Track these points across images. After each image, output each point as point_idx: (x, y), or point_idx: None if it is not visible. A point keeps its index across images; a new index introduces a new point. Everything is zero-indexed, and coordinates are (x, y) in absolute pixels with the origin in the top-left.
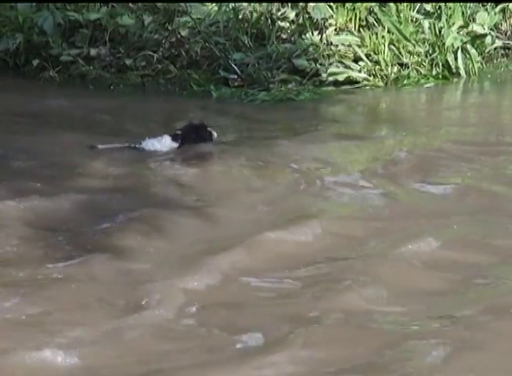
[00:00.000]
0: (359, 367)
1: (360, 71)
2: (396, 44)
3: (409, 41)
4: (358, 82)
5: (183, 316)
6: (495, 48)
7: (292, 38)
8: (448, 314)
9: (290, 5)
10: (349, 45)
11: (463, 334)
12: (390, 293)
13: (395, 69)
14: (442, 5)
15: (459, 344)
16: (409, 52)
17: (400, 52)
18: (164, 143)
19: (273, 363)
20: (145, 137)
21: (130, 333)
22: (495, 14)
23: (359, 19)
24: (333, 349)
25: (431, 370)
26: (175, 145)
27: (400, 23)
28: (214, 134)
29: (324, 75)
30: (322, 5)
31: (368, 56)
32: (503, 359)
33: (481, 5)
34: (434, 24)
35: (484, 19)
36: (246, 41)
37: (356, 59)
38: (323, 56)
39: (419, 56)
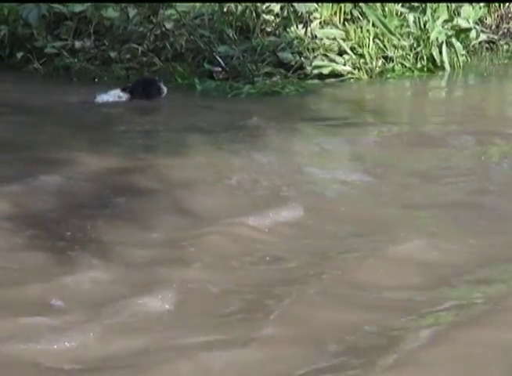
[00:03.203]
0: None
1: (345, 64)
2: (381, 37)
3: (393, 34)
4: (342, 75)
5: (160, 308)
6: (479, 42)
7: (277, 31)
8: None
9: None
10: (334, 39)
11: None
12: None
13: (380, 62)
14: None
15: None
16: (394, 46)
17: (385, 46)
18: (113, 95)
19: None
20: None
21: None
22: (480, 8)
23: (344, 12)
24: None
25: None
26: (124, 96)
27: (385, 16)
28: (164, 89)
29: (309, 68)
30: None
31: (353, 49)
32: None
33: None
34: (418, 18)
35: (468, 13)
36: (231, 34)
37: (341, 53)
38: (308, 49)
39: (403, 49)
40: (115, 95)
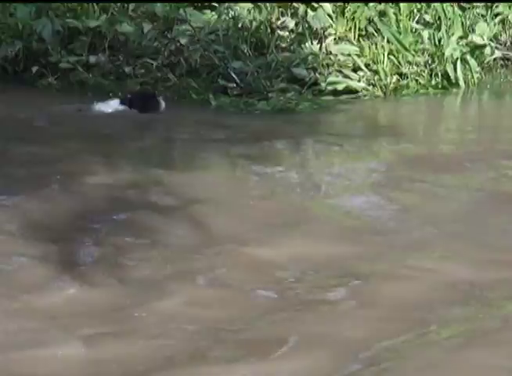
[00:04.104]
0: None
1: (359, 81)
2: (395, 54)
3: (408, 51)
4: (357, 92)
5: (167, 324)
6: (494, 59)
7: (291, 47)
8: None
9: (289, 14)
10: (348, 55)
11: None
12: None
13: (394, 79)
14: (442, 15)
15: None
16: (409, 63)
17: (399, 62)
18: (111, 105)
19: None
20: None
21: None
22: (495, 25)
23: (359, 28)
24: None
25: None
26: (121, 108)
27: (399, 33)
28: (162, 104)
29: (323, 84)
30: (321, 14)
31: (367, 65)
32: None
33: (480, 15)
34: (433, 35)
35: (483, 30)
36: (245, 50)
37: (355, 69)
38: (322, 65)
39: (418, 66)
40: (113, 106)
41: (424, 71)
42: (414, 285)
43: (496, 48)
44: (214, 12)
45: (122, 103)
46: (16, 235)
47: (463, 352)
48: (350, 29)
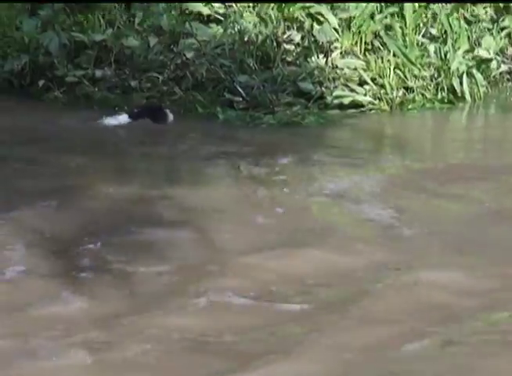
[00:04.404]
0: None
1: (365, 95)
2: (401, 68)
3: (414, 65)
4: (363, 106)
5: (178, 341)
6: (500, 73)
7: (297, 61)
8: None
9: (295, 27)
10: (354, 69)
11: None
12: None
13: (400, 93)
14: (448, 29)
15: None
16: (415, 76)
17: (405, 76)
18: (119, 119)
19: None
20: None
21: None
22: (501, 39)
23: (365, 42)
24: None
25: None
26: (129, 121)
27: (406, 47)
28: (170, 116)
29: (329, 98)
30: (327, 28)
31: (373, 79)
32: None
33: (486, 29)
34: (439, 48)
35: (489, 44)
36: (251, 64)
37: (361, 83)
38: (328, 79)
39: (424, 80)
40: (122, 120)
41: (430, 85)
42: (423, 294)
43: (503, 62)
44: (220, 26)
45: (130, 116)
46: (21, 247)
47: (486, 359)
48: (356, 43)
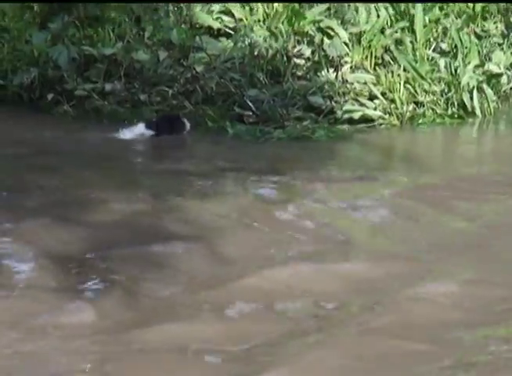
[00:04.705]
0: None
1: (375, 109)
2: (412, 82)
3: (424, 79)
4: (373, 120)
5: (184, 361)
6: (511, 88)
7: (307, 75)
8: None
9: (305, 42)
10: (365, 83)
11: None
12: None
13: (411, 107)
14: (458, 43)
15: None
16: (425, 91)
17: (416, 91)
18: (137, 131)
19: None
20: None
21: None
22: None
23: (375, 57)
24: None
25: None
26: (147, 132)
27: (416, 61)
28: (187, 125)
29: (339, 113)
30: (337, 42)
31: (383, 94)
32: None
33: (497, 44)
34: (449, 63)
35: (500, 59)
36: (261, 78)
37: (371, 97)
38: (339, 93)
39: (434, 94)
40: (139, 131)
41: (441, 100)
42: (435, 308)
43: None
44: (230, 40)
45: (148, 126)
46: (28, 261)
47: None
48: (366, 57)
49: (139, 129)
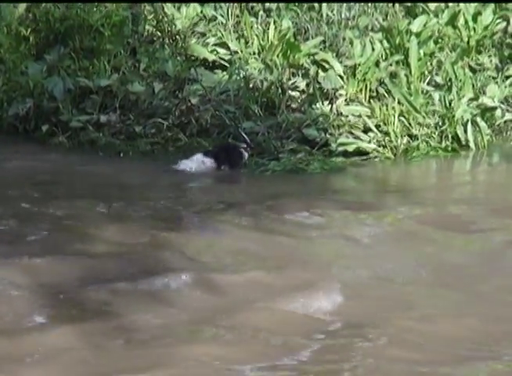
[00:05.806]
0: None
1: (370, 142)
2: (406, 115)
3: (418, 112)
4: (367, 153)
5: None
6: (505, 122)
7: (302, 108)
8: None
9: (300, 74)
10: (359, 116)
11: None
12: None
13: (405, 140)
14: (453, 77)
15: None
16: (419, 124)
17: (410, 124)
18: (196, 161)
19: None
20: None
21: None
22: (506, 87)
23: (370, 89)
24: None
25: None
26: (207, 161)
27: (410, 94)
28: (245, 155)
29: (334, 145)
30: (332, 75)
31: (378, 126)
32: None
33: (491, 77)
34: (444, 96)
35: (494, 92)
36: (256, 110)
37: (366, 130)
38: (333, 126)
39: (428, 127)
40: (198, 160)
41: (435, 133)
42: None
43: (507, 110)
44: (225, 72)
45: (205, 154)
46: (24, 293)
47: None
48: (361, 90)
49: (198, 159)
